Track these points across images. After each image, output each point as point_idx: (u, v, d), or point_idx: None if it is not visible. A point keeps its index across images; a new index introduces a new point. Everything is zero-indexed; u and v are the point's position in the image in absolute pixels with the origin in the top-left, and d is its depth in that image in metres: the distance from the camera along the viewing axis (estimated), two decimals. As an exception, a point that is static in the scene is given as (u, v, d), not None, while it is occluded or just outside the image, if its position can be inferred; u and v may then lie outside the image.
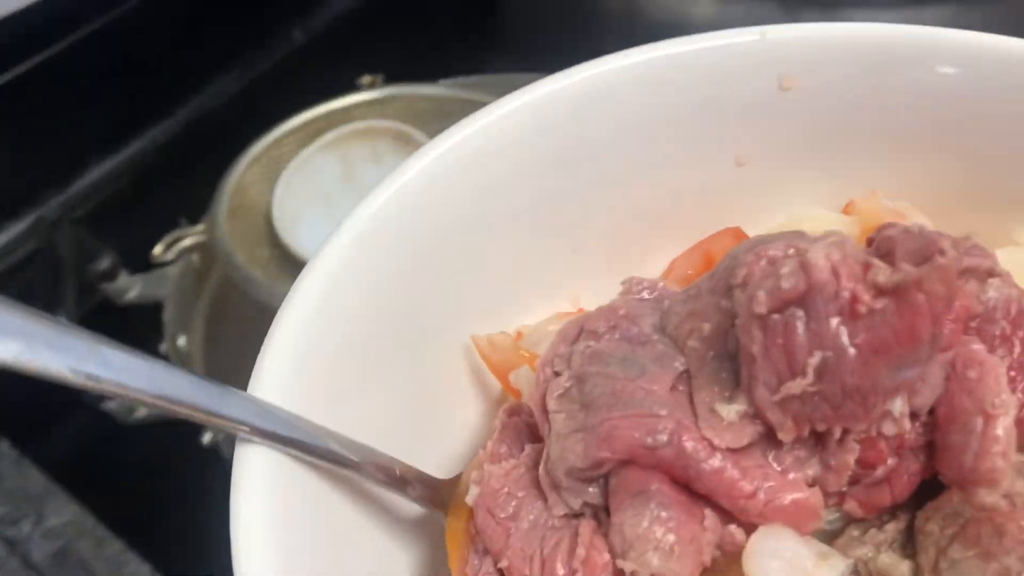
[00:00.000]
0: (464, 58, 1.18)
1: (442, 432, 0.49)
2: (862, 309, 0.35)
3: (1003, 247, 0.46)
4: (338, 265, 0.42)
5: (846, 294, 0.36)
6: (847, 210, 0.53)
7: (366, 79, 1.13)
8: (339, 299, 0.42)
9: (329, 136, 1.03)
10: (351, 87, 1.11)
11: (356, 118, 1.05)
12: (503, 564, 0.37)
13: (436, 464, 0.45)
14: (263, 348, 0.38)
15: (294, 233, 0.97)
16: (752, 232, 0.52)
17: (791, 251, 0.38)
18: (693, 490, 0.36)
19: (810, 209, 0.53)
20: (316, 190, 1.00)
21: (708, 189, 0.55)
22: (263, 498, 0.34)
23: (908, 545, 0.38)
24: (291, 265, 0.97)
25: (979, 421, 0.37)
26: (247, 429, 0.34)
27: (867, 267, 0.37)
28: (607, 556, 0.35)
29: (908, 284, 0.35)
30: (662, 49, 0.51)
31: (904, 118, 0.51)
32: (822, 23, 0.51)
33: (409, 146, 0.98)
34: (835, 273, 0.36)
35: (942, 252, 0.36)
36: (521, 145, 0.50)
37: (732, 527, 0.36)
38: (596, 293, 0.51)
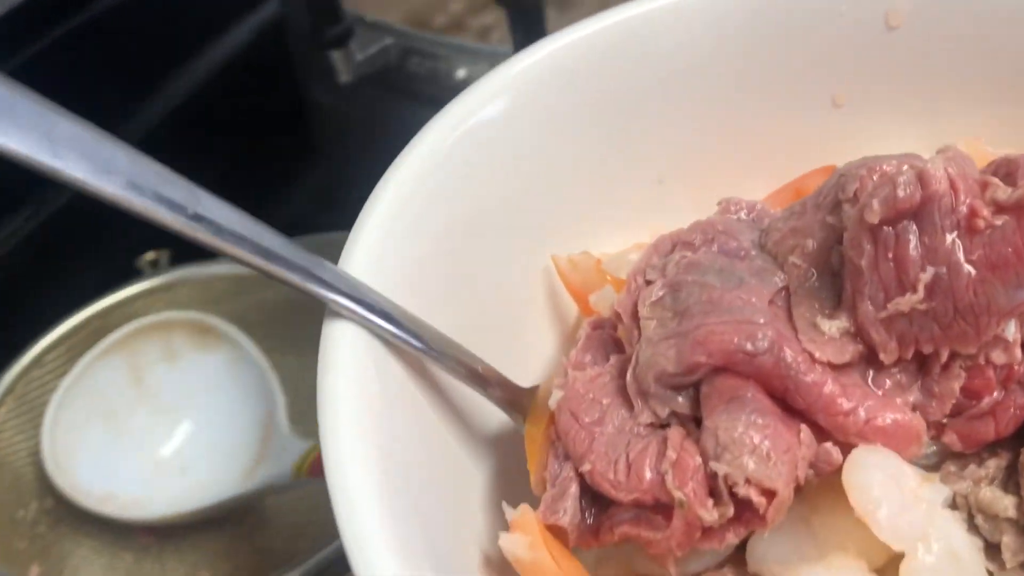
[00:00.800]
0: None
1: (512, 353, 0.47)
2: (980, 224, 0.34)
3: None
4: (431, 160, 0.41)
5: (964, 208, 0.34)
6: (949, 155, 0.51)
7: (148, 256, 0.88)
8: (428, 196, 0.41)
9: (110, 338, 0.78)
10: (130, 272, 0.85)
11: (141, 312, 0.80)
12: (585, 468, 0.36)
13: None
14: (354, 231, 0.37)
15: (73, 473, 0.72)
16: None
17: (905, 167, 0.36)
18: (788, 404, 0.35)
19: (910, 153, 0.51)
20: (97, 409, 0.76)
21: (802, 130, 0.53)
22: (352, 375, 0.33)
23: (1010, 483, 0.36)
24: (73, 518, 0.71)
25: (1097, 354, 0.35)
26: (341, 300, 0.33)
27: (985, 184, 0.35)
28: (699, 460, 0.33)
29: (1033, 200, 0.33)
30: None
31: (1017, 65, 0.49)
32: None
33: (208, 336, 0.78)
34: (953, 186, 0.34)
35: (1069, 172, 0.35)
36: (606, 70, 0.49)
37: (828, 445, 0.35)
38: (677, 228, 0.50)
